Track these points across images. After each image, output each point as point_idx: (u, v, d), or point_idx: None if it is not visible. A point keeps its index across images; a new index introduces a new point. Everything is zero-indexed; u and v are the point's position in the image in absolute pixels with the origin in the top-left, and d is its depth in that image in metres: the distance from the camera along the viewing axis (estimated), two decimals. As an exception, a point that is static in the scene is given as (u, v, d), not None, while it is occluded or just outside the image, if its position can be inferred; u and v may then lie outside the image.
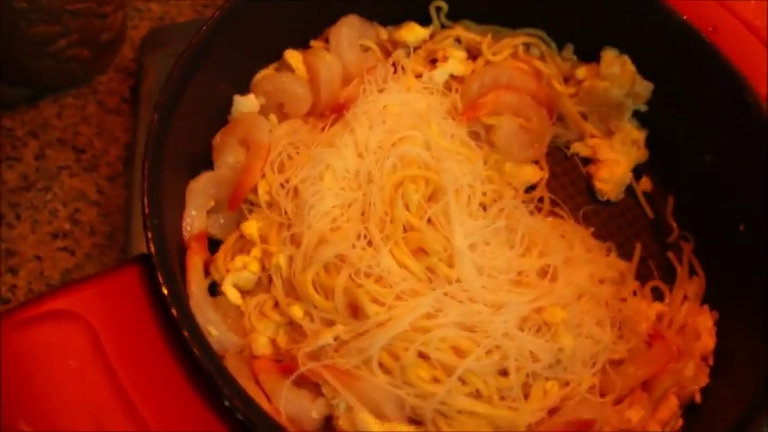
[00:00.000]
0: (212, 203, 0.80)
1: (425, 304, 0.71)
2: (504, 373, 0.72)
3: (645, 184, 0.92)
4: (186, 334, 0.62)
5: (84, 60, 1.02)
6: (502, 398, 0.72)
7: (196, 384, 0.63)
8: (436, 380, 0.70)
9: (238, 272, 0.77)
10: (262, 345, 0.75)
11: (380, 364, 0.70)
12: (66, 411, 0.59)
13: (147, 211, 0.67)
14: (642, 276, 0.87)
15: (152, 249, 0.65)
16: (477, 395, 0.71)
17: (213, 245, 0.80)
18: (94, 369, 0.61)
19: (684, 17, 0.84)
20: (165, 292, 0.64)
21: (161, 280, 0.64)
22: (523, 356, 0.72)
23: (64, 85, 1.05)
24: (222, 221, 0.80)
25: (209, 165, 0.82)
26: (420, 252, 0.75)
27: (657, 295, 0.86)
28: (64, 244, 0.97)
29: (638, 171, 0.93)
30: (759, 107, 0.80)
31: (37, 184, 1.00)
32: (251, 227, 0.77)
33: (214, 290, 0.78)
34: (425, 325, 0.71)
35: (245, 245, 0.79)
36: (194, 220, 0.78)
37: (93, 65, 1.05)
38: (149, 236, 0.66)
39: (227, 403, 0.61)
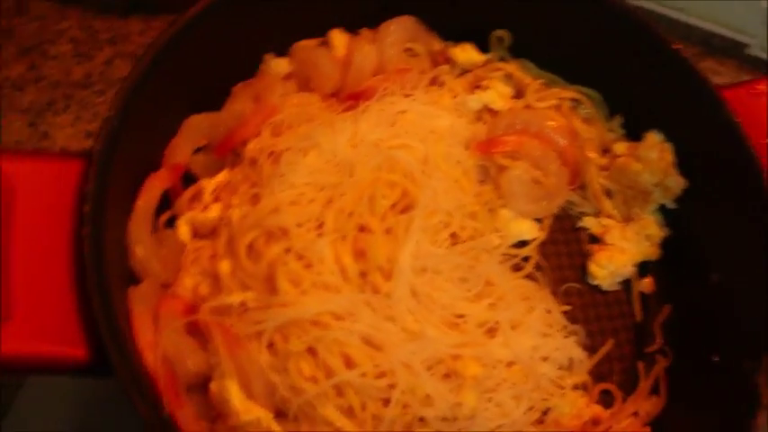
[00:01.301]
0: (204, 142, 0.81)
1: (337, 303, 0.69)
2: (388, 402, 0.68)
3: (647, 284, 0.85)
4: (86, 231, 0.63)
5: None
6: (375, 427, 0.68)
7: (80, 295, 0.64)
8: (315, 379, 0.67)
9: (196, 213, 0.78)
10: (185, 286, 0.75)
11: (271, 344, 0.68)
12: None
13: (111, 111, 0.68)
14: (601, 376, 0.80)
15: (97, 146, 0.67)
16: (349, 412, 0.68)
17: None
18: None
19: (739, 121, 0.77)
20: (90, 187, 0.65)
21: (90, 175, 0.65)
22: (416, 395, 0.68)
23: (156, 7, 1.10)
24: (206, 162, 0.81)
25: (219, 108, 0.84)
26: (364, 255, 0.73)
27: (609, 400, 0.79)
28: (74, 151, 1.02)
29: (644, 269, 0.85)
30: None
31: (96, 85, 1.06)
32: (209, 184, 0.78)
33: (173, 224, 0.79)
34: (329, 322, 0.68)
35: (216, 191, 0.80)
36: (178, 149, 0.79)
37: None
38: (101, 133, 0.67)
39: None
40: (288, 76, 0.86)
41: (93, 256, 0.63)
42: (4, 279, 0.62)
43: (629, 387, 0.80)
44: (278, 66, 0.85)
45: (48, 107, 1.03)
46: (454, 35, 0.90)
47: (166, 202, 0.79)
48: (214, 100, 0.83)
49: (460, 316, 0.74)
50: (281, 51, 0.87)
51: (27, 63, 1.04)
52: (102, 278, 0.63)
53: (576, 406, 0.76)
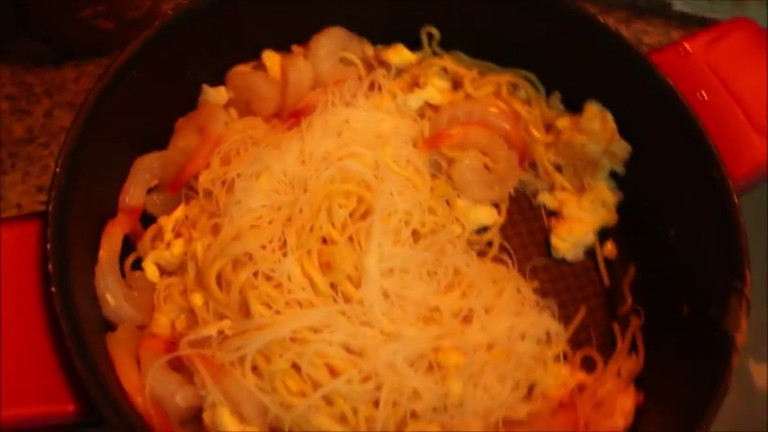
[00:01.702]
0: (156, 182, 0.82)
1: (313, 317, 0.70)
2: (378, 404, 0.70)
3: (609, 249, 0.87)
4: (54, 289, 0.64)
5: (108, 33, 1.07)
6: (370, 428, 0.69)
7: (60, 352, 0.64)
8: (303, 393, 0.69)
9: (161, 251, 0.79)
10: (161, 325, 0.75)
11: (254, 367, 0.69)
12: None
13: (57, 170, 0.69)
14: (579, 343, 0.83)
15: (49, 206, 0.67)
16: (342, 419, 0.69)
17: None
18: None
19: (671, 82, 0.80)
20: (49, 247, 0.66)
21: (48, 236, 0.66)
22: (403, 392, 0.70)
23: (87, 53, 1.10)
24: (162, 201, 0.82)
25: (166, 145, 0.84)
26: (331, 267, 0.74)
27: (591, 365, 0.81)
28: (46, 199, 1.02)
29: (605, 235, 0.88)
30: (725, 185, 0.75)
31: (39, 139, 1.06)
32: (168, 221, 0.79)
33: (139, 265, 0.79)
34: (307, 337, 0.69)
35: (176, 227, 0.80)
36: (131, 193, 0.80)
37: (117, 38, 1.09)
38: (51, 194, 0.68)
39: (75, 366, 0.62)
40: (228, 104, 0.86)
41: (65, 312, 0.64)
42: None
43: (608, 350, 0.82)
44: (217, 95, 0.86)
45: (-6, 167, 1.02)
46: (383, 38, 0.92)
47: (129, 244, 0.79)
48: (159, 138, 0.83)
49: (434, 309, 0.76)
50: (217, 80, 0.87)
51: (-35, 126, 1.03)
52: (77, 333, 0.64)
53: (559, 376, 0.78)
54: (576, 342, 0.82)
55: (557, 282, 0.86)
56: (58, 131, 1.06)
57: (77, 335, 0.63)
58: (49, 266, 0.64)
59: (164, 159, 0.81)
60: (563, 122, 0.88)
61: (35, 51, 1.11)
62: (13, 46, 1.10)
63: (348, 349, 0.70)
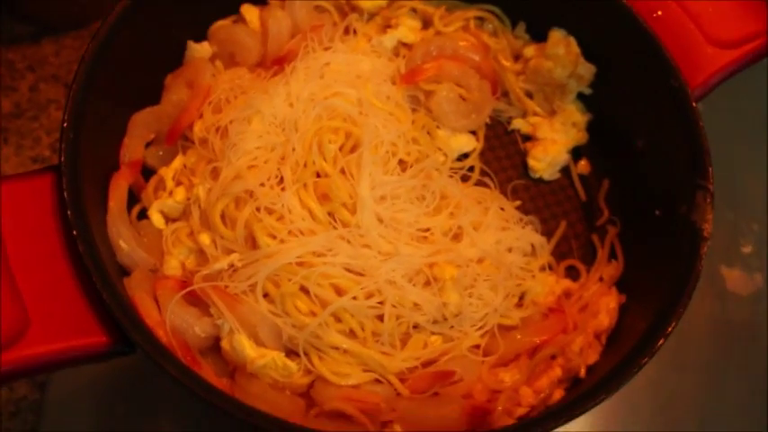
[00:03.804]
0: (153, 136, 0.86)
1: (315, 242, 0.75)
2: (382, 318, 0.75)
3: (583, 166, 0.93)
4: (75, 232, 0.68)
5: (85, 4, 1.10)
6: (377, 341, 0.75)
7: (86, 290, 0.69)
8: (313, 313, 0.74)
9: (164, 199, 0.83)
10: (172, 266, 0.80)
11: (265, 294, 0.74)
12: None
13: (65, 125, 0.73)
14: (562, 254, 0.89)
15: (62, 158, 0.71)
16: (351, 334, 0.74)
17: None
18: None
19: (629, 5, 0.85)
20: (66, 195, 0.70)
21: (64, 184, 0.70)
22: (405, 305, 0.75)
23: (65, 26, 1.13)
24: (160, 153, 0.86)
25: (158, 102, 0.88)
26: (327, 198, 0.79)
27: (574, 274, 0.87)
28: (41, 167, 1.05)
29: (578, 153, 0.94)
30: (683, 92, 0.81)
31: (27, 113, 1.09)
32: (168, 171, 0.83)
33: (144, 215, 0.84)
34: (312, 261, 0.74)
35: (175, 176, 0.85)
36: (131, 147, 0.84)
37: (93, 9, 1.12)
38: (62, 147, 0.72)
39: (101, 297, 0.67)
40: (212, 57, 0.90)
41: (88, 252, 0.68)
42: (15, 293, 0.66)
43: (589, 259, 0.88)
44: (201, 50, 0.90)
45: (-14, 143, 1.06)
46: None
47: (133, 197, 0.83)
48: (152, 95, 0.87)
49: (426, 230, 0.81)
50: (200, 36, 0.91)
51: (-46, 106, 1.06)
52: (101, 270, 0.68)
53: (547, 284, 0.83)
54: (559, 253, 0.88)
55: (536, 199, 0.91)
56: (46, 104, 1.09)
57: (101, 271, 0.67)
58: (69, 213, 0.69)
59: (158, 114, 0.86)
60: (529, 51, 0.93)
61: (11, 29, 1.14)
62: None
63: (350, 270, 0.75)
